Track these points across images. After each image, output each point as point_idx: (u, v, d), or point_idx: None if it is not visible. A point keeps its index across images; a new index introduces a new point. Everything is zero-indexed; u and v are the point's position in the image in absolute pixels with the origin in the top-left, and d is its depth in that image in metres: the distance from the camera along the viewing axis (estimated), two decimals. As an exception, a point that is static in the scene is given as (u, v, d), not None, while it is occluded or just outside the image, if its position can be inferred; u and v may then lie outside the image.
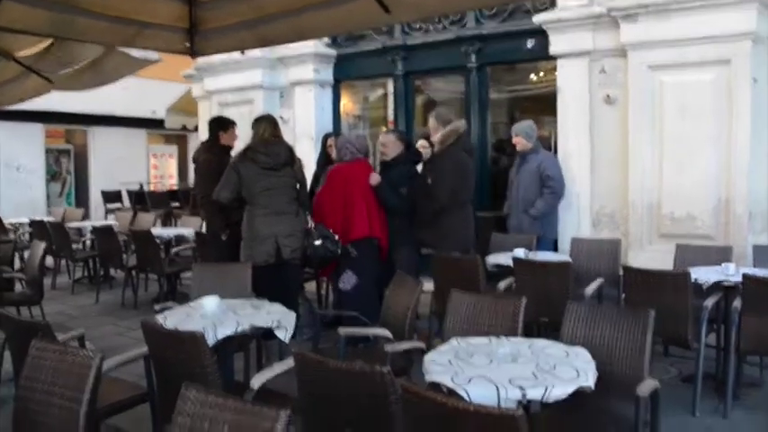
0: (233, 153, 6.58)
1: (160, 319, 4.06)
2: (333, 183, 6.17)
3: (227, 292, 4.71)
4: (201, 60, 9.97)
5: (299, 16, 5.00)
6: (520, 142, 6.99)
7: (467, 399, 2.66)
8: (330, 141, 7.20)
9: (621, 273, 5.44)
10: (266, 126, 5.98)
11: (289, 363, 3.23)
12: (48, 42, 5.98)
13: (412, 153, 6.57)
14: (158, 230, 9.26)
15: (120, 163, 18.70)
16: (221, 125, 7.02)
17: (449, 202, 6.06)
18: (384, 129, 9.28)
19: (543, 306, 5.17)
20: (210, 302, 4.16)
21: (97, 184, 18.35)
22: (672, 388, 5.31)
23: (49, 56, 6.20)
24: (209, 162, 6.76)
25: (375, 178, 6.10)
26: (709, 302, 4.91)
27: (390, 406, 2.67)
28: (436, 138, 6.28)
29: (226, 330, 3.82)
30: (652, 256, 6.56)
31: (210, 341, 3.70)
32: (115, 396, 3.81)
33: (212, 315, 4.06)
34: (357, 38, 9.58)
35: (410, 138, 7.87)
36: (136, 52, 6.43)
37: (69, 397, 2.89)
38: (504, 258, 5.98)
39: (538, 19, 7.51)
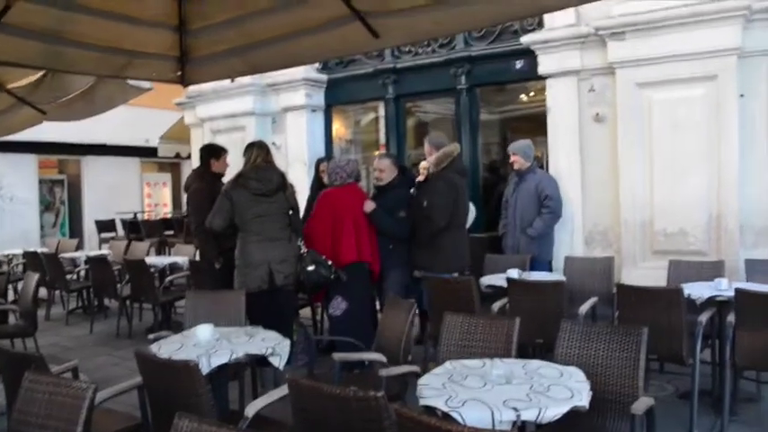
0: (225, 180, 6.58)
1: (154, 348, 4.05)
2: (322, 208, 6.17)
3: (221, 320, 4.73)
4: (193, 88, 9.99)
5: (289, 42, 5.02)
6: (518, 161, 7.01)
7: (461, 422, 2.66)
8: (322, 167, 7.20)
9: (615, 291, 5.44)
10: (258, 152, 5.98)
11: (283, 390, 3.23)
12: (40, 74, 6.00)
13: (407, 177, 6.59)
14: (152, 259, 9.25)
15: (114, 192, 18.69)
16: (212, 152, 7.00)
17: (446, 223, 6.06)
18: (377, 152, 9.32)
19: (538, 326, 5.16)
20: (204, 331, 4.15)
21: (91, 213, 18.31)
22: (668, 405, 5.31)
23: (41, 87, 6.22)
24: (200, 190, 6.72)
25: (369, 205, 6.11)
26: (703, 318, 4.92)
27: (385, 431, 2.66)
28: (430, 161, 6.28)
29: (220, 359, 3.82)
30: (645, 273, 6.57)
31: (205, 370, 3.69)
32: (109, 427, 3.78)
33: (206, 344, 4.06)
34: (348, 62, 9.65)
35: (402, 160, 7.88)
36: (127, 81, 6.46)
37: (63, 429, 2.88)
38: (497, 279, 5.98)
39: (526, 40, 7.57)
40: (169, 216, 18.56)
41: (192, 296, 5.34)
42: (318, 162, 7.54)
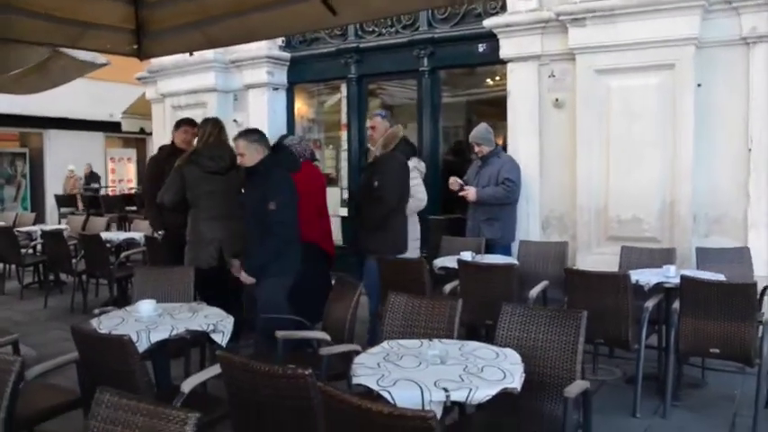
0: None
1: (94, 323, 4.00)
2: None
3: (169, 297, 4.73)
4: (155, 62, 9.90)
5: (247, 17, 4.98)
6: (482, 150, 6.98)
7: (391, 401, 2.65)
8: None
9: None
10: (212, 129, 5.93)
11: (216, 368, 3.20)
12: (-10, 44, 5.88)
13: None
14: (108, 234, 9.14)
15: (78, 166, 18.45)
16: (176, 123, 6.93)
17: (397, 203, 6.02)
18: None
19: (488, 309, 5.15)
20: (146, 306, 4.12)
21: (53, 188, 18.07)
22: (616, 389, 5.39)
23: (-10, 59, 6.11)
24: (154, 160, 6.74)
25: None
26: (650, 304, 4.97)
27: (313, 409, 2.65)
28: (379, 142, 6.15)
29: (160, 335, 3.79)
30: (599, 258, 6.62)
31: (144, 345, 3.67)
32: (48, 401, 3.76)
33: (147, 319, 4.02)
34: (311, 41, 9.59)
35: (363, 141, 7.82)
36: (83, 55, 6.35)
37: (-11, 402, 2.83)
38: (451, 261, 5.99)
39: (488, 23, 7.55)
40: (133, 192, 18.38)
41: (140, 272, 5.28)
42: (281, 139, 7.47)
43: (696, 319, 4.69)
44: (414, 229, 6.38)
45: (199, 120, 6.61)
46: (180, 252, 6.50)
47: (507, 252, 6.89)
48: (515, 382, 2.91)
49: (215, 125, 5.95)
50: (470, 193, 6.86)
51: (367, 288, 5.55)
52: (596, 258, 6.68)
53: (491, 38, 7.66)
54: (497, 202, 6.87)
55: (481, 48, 8.00)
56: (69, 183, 15.98)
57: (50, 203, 17.83)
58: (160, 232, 6.57)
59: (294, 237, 5.22)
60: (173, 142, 6.77)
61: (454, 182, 7.02)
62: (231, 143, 5.85)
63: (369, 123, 6.35)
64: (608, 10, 6.62)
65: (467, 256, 5.92)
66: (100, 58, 6.59)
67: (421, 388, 2.73)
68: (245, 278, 5.11)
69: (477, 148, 7.00)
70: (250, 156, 5.13)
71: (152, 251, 7.69)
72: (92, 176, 15.64)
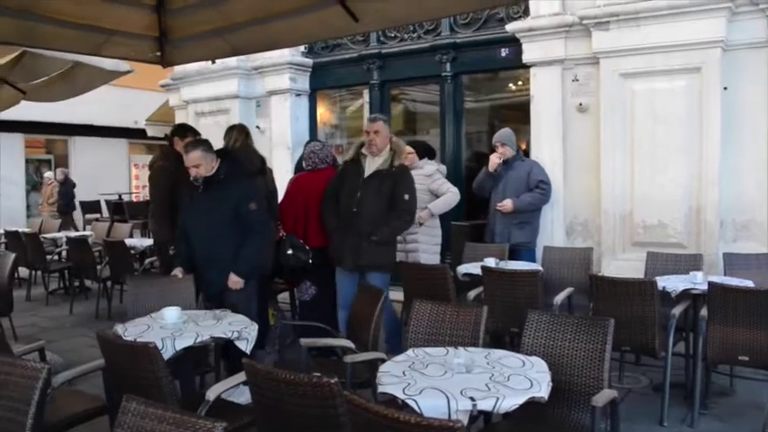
0: None
1: (120, 330, 4.02)
2: (291, 192, 6.15)
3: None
4: (178, 69, 9.96)
5: (269, 25, 5.00)
6: (507, 152, 6.94)
7: (417, 410, 2.64)
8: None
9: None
10: (238, 135, 5.94)
11: (242, 375, 3.19)
12: (17, 52, 5.94)
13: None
14: (132, 241, 9.20)
15: (102, 173, 18.61)
16: (179, 131, 6.68)
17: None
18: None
19: (513, 316, 5.18)
20: (171, 313, 4.12)
21: (78, 194, 18.21)
22: (642, 397, 5.33)
23: (19, 66, 6.17)
24: (162, 169, 6.51)
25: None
26: (677, 311, 4.91)
27: (339, 417, 2.64)
28: (385, 149, 5.74)
29: (185, 342, 3.79)
30: (624, 264, 6.57)
31: (169, 352, 3.67)
32: (71, 408, 3.76)
33: (172, 326, 4.03)
34: (333, 47, 9.60)
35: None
36: (107, 63, 6.39)
37: (16, 409, 2.83)
38: (474, 268, 5.96)
39: (511, 27, 7.52)
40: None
41: (133, 283, 5.12)
42: (305, 146, 7.48)
43: (724, 326, 4.62)
44: (435, 233, 6.43)
45: (221, 127, 6.61)
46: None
47: (532, 256, 6.86)
48: (542, 391, 2.88)
49: (241, 131, 5.97)
50: (507, 204, 6.84)
51: (342, 301, 5.57)
52: (621, 264, 6.63)
53: (514, 42, 7.63)
54: (536, 208, 6.91)
55: (504, 52, 7.97)
56: (47, 190, 16.07)
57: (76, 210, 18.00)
58: (173, 247, 6.44)
59: (273, 237, 5.17)
60: (175, 150, 6.67)
61: (495, 161, 6.99)
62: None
63: (370, 127, 5.72)
64: (632, 13, 6.57)
65: (490, 262, 5.88)
66: (124, 65, 6.62)
67: (447, 397, 2.70)
68: (236, 282, 4.99)
69: (500, 149, 6.96)
70: (206, 165, 5.03)
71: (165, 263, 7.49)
72: (66, 182, 15.65)
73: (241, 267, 5.03)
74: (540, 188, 6.86)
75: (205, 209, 5.10)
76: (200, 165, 5.03)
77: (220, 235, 5.06)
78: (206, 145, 5.20)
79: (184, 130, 6.74)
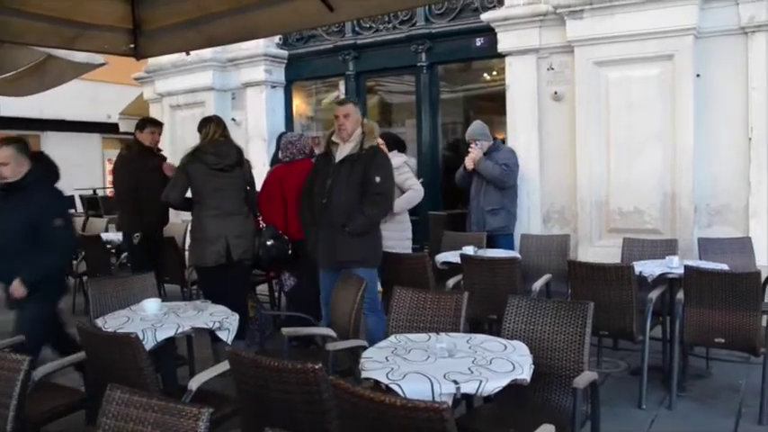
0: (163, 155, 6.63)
1: (100, 322, 4.00)
2: (269, 184, 6.13)
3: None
4: (152, 62, 9.89)
5: (244, 15, 4.99)
6: (483, 146, 6.92)
7: (402, 395, 2.65)
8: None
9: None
10: (215, 127, 5.89)
11: (226, 364, 3.19)
12: (-14, 45, 5.87)
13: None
14: (109, 235, 9.10)
15: (75, 168, 18.32)
16: (139, 123, 6.91)
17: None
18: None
19: (491, 303, 5.21)
20: (151, 305, 4.11)
21: (51, 190, 18.04)
22: (620, 381, 5.39)
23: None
24: (122, 158, 6.68)
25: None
26: (654, 295, 4.98)
27: (324, 403, 2.65)
28: (356, 133, 5.32)
29: (166, 332, 3.77)
30: (601, 251, 6.63)
31: (150, 343, 3.65)
32: (54, 402, 3.75)
33: (153, 318, 4.02)
34: (308, 38, 9.58)
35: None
36: (80, 56, 6.33)
37: (-2, 403, 2.82)
38: (453, 256, 5.98)
39: (486, 17, 7.55)
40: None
41: (95, 284, 4.78)
42: (280, 136, 7.47)
43: (700, 309, 4.69)
44: (405, 228, 6.14)
45: (196, 119, 6.57)
46: (157, 253, 6.51)
47: (510, 243, 6.90)
48: (525, 373, 2.91)
49: (218, 123, 5.91)
50: (476, 151, 6.83)
51: (325, 298, 5.19)
52: (598, 251, 6.70)
53: (489, 32, 7.67)
54: (492, 178, 6.83)
55: (479, 42, 8.01)
56: None
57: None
58: (137, 235, 6.44)
59: (71, 259, 4.88)
60: (138, 141, 6.72)
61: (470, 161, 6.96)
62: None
63: (340, 111, 5.31)
64: (606, 1, 6.62)
65: (469, 250, 5.91)
66: (97, 58, 6.57)
67: (431, 381, 2.72)
68: (17, 289, 4.54)
69: (474, 146, 6.95)
70: (14, 167, 4.58)
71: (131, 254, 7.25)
72: None
73: (27, 274, 4.53)
74: (502, 167, 6.83)
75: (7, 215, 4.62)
76: (7, 164, 4.58)
77: (10, 249, 4.56)
78: (21, 145, 4.72)
79: (144, 122, 6.82)
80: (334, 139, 5.35)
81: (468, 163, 6.94)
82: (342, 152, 5.26)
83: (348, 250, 5.10)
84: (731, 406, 4.80)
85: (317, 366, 2.61)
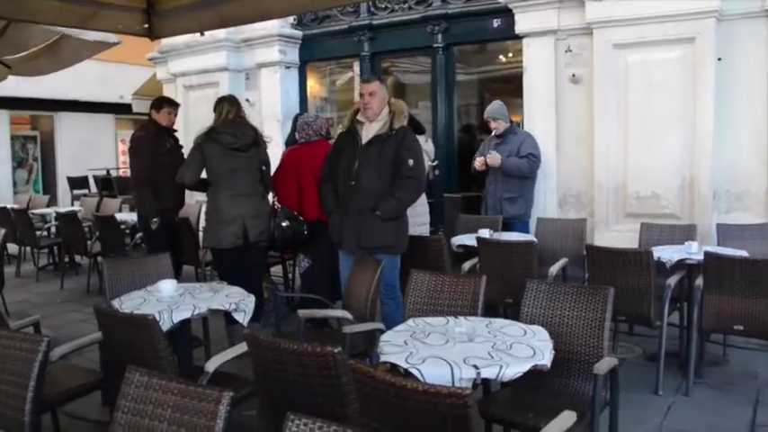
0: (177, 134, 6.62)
1: (116, 303, 3.98)
2: (284, 165, 6.10)
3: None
4: (165, 42, 9.86)
5: (259, -5, 4.93)
6: (500, 126, 6.89)
7: (421, 378, 2.62)
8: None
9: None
10: (228, 106, 5.84)
11: (243, 346, 3.18)
12: (1, 25, 5.84)
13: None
14: (123, 216, 9.12)
15: (88, 149, 18.46)
16: (155, 103, 6.71)
17: None
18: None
19: (508, 286, 5.19)
20: (167, 286, 4.09)
21: (65, 170, 18.08)
22: (636, 367, 5.35)
23: (3, 38, 6.06)
24: (140, 138, 6.49)
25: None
26: (672, 281, 4.92)
27: (343, 387, 2.63)
28: (383, 112, 5.12)
29: (182, 314, 3.76)
30: (618, 235, 6.57)
31: (167, 325, 3.64)
32: (69, 382, 3.76)
33: (169, 299, 4.00)
34: (323, 18, 9.51)
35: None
36: (94, 34, 6.29)
37: (16, 383, 2.82)
38: (469, 239, 5.95)
39: (503, -2, 7.46)
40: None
41: (110, 264, 4.77)
42: (296, 117, 7.43)
43: (720, 295, 4.64)
44: (420, 212, 6.06)
45: (210, 100, 6.53)
46: (174, 236, 6.47)
47: (526, 229, 6.84)
48: (545, 359, 2.87)
49: (231, 102, 5.86)
50: (496, 158, 6.72)
51: (345, 282, 4.92)
52: (614, 235, 6.64)
53: (506, 13, 7.58)
54: (520, 175, 6.79)
55: (496, 23, 7.92)
56: None
57: (62, 186, 17.84)
58: (155, 219, 6.31)
59: None
60: (154, 122, 6.56)
61: (480, 162, 6.89)
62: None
63: (365, 89, 5.03)
64: (627, -17, 6.53)
65: (485, 233, 5.87)
66: (111, 36, 6.52)
67: (451, 365, 2.69)
68: None
69: (493, 124, 6.92)
70: None
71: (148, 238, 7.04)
72: None
73: None
74: (529, 159, 6.79)
75: None
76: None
77: None
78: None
79: (160, 102, 6.70)
80: (359, 117, 5.10)
81: (479, 164, 6.88)
82: (369, 132, 5.02)
83: (376, 235, 4.92)
84: (749, 393, 4.76)
85: (336, 350, 2.59)
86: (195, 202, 8.36)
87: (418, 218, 6.00)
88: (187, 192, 6.62)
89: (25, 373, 2.78)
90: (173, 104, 6.69)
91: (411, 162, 4.91)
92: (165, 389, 2.24)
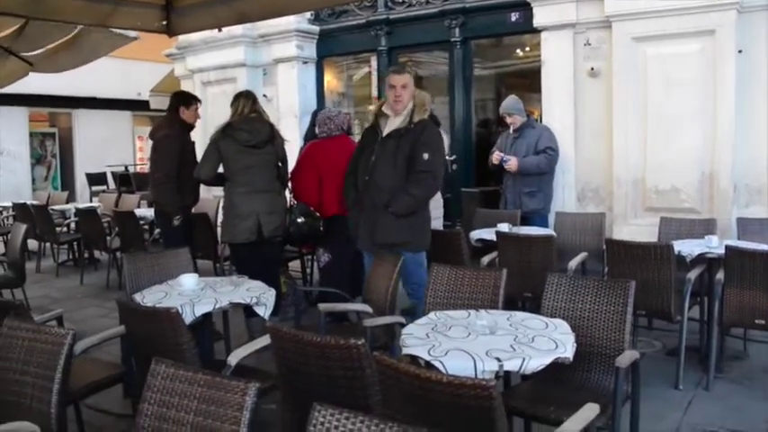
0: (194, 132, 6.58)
1: (138, 297, 4.01)
2: (305, 159, 6.10)
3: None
4: (183, 39, 9.88)
5: (277, -10, 4.93)
6: (516, 120, 6.89)
7: (443, 371, 2.63)
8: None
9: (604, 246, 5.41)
10: (245, 102, 5.84)
11: (266, 339, 3.19)
12: (21, 22, 5.87)
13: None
14: (142, 211, 9.17)
15: (106, 145, 18.59)
16: (183, 100, 6.53)
17: None
18: (370, 107, 9.20)
19: (527, 280, 5.19)
20: (189, 280, 4.12)
21: (83, 167, 18.22)
22: (656, 361, 5.32)
23: (23, 36, 6.09)
24: (168, 137, 6.30)
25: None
26: (693, 275, 4.89)
27: (366, 379, 2.64)
28: (409, 105, 4.99)
29: (204, 307, 3.79)
30: (637, 229, 6.55)
31: (189, 318, 3.67)
32: (91, 375, 3.77)
33: (191, 293, 4.02)
34: (340, 13, 9.51)
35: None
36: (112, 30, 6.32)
37: (42, 375, 2.85)
38: (487, 233, 5.94)
39: (521, -9, 7.45)
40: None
41: (130, 259, 4.75)
42: (315, 113, 7.43)
43: (741, 290, 4.61)
44: (434, 206, 5.77)
45: (227, 96, 6.52)
46: (191, 232, 6.49)
47: (545, 223, 6.84)
48: (567, 351, 2.87)
49: (247, 97, 5.86)
50: (513, 163, 6.73)
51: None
52: (633, 229, 6.62)
53: (524, 6, 7.57)
54: (540, 172, 6.79)
55: (514, 17, 7.90)
56: None
57: (80, 182, 17.98)
58: (178, 218, 6.25)
59: None
60: (180, 119, 6.40)
61: (497, 157, 6.89)
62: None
63: (398, 81, 4.86)
64: (646, -25, 6.49)
65: (504, 227, 5.87)
66: (130, 32, 6.54)
67: (473, 358, 2.70)
68: None
69: (509, 120, 6.91)
70: None
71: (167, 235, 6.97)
72: None
73: None
74: (546, 153, 6.79)
75: None
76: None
77: None
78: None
79: (189, 98, 6.60)
80: (384, 110, 4.98)
81: (496, 159, 6.88)
82: (390, 126, 4.91)
83: (389, 232, 4.79)
84: (770, 387, 4.74)
85: (359, 342, 2.60)
86: (213, 197, 8.39)
87: (432, 212, 5.93)
88: (204, 187, 6.63)
89: (51, 365, 2.81)
90: (198, 100, 6.65)
91: (426, 156, 4.75)
92: (192, 380, 2.26)
